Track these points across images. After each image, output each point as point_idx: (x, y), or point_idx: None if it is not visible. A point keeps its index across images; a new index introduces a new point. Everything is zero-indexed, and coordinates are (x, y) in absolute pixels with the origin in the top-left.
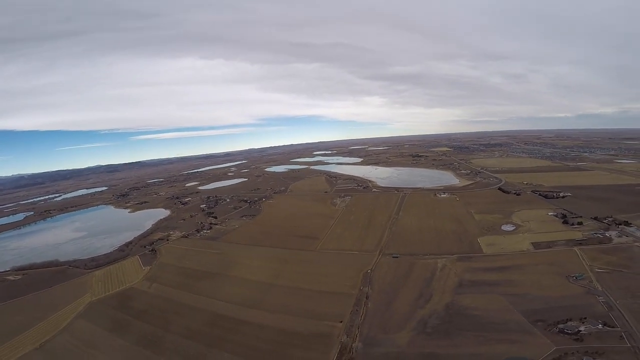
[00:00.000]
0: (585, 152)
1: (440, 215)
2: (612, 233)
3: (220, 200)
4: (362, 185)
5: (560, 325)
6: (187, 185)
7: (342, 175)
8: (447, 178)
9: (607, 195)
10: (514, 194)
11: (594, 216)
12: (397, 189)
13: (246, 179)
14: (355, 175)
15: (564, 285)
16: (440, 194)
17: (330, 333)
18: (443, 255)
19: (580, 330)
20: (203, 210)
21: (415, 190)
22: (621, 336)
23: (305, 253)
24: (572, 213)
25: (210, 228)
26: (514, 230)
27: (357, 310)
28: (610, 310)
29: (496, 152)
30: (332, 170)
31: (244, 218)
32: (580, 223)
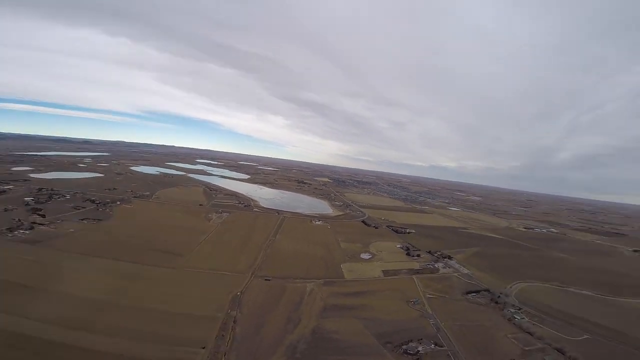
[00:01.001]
0: (429, 198)
1: (313, 241)
2: (439, 265)
3: (56, 195)
4: (244, 203)
5: (404, 347)
6: (13, 169)
7: (224, 189)
8: (323, 207)
9: (439, 234)
10: (373, 227)
11: (428, 250)
12: (278, 211)
13: (102, 175)
14: (239, 192)
15: (405, 310)
16: (316, 221)
17: None
18: (312, 279)
19: (419, 351)
20: (27, 204)
21: (295, 214)
22: (448, 354)
23: (163, 270)
24: (413, 246)
25: (32, 228)
26: (370, 258)
27: (223, 335)
28: (438, 331)
29: (365, 189)
30: (214, 183)
31: (85, 221)
32: (418, 255)
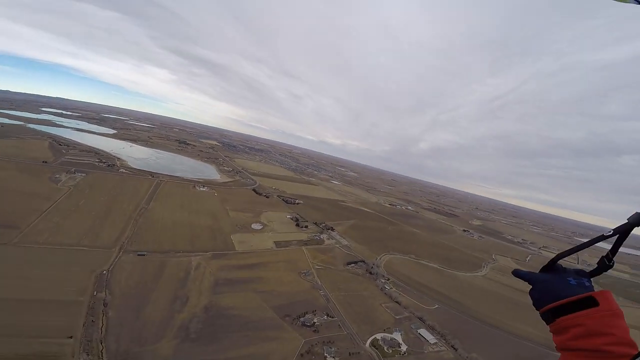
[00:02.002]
0: (316, 171)
1: (197, 209)
2: (324, 236)
3: None
4: (107, 162)
5: (302, 319)
6: None
7: (80, 145)
8: (210, 171)
9: (323, 205)
10: (265, 196)
11: (314, 221)
12: (152, 173)
13: None
14: (100, 148)
15: (298, 281)
16: (200, 187)
17: (58, 353)
18: (198, 252)
19: (315, 322)
20: None
21: (174, 178)
22: (339, 325)
23: None
24: (302, 217)
25: None
26: (261, 229)
27: (93, 321)
28: (328, 302)
29: (257, 157)
30: (65, 136)
31: None
32: (306, 226)
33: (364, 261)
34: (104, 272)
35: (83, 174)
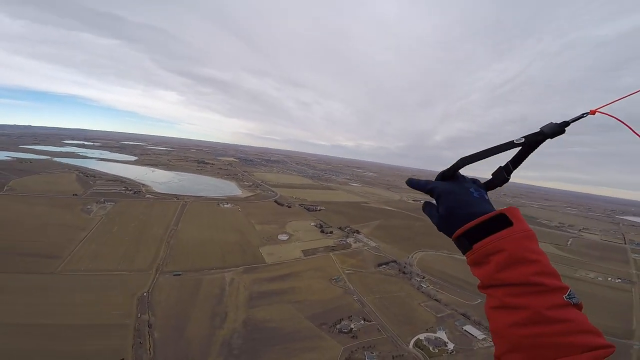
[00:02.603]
0: (333, 175)
1: (223, 226)
2: (350, 240)
3: None
4: (133, 190)
5: (338, 326)
6: None
7: (105, 174)
8: (231, 188)
9: (346, 209)
10: (287, 206)
11: (339, 226)
12: (177, 196)
13: None
14: (125, 176)
15: (330, 288)
16: (224, 204)
17: None
18: (229, 268)
19: (352, 328)
20: None
21: (198, 198)
22: (378, 328)
23: (36, 277)
24: (326, 223)
25: None
26: (287, 239)
27: (140, 343)
28: (363, 307)
29: (274, 168)
30: (91, 167)
31: None
32: (331, 232)
33: (395, 261)
34: (144, 294)
35: (112, 203)
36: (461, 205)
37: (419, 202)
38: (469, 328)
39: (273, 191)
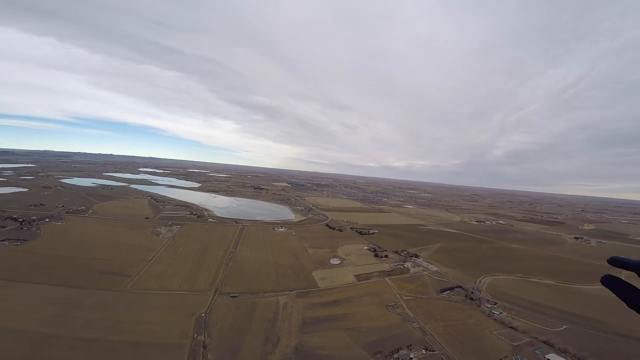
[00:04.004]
0: (385, 197)
1: (278, 249)
2: (408, 264)
3: None
4: (197, 214)
5: (395, 355)
6: None
7: (173, 200)
8: (285, 212)
9: (401, 232)
10: (338, 230)
11: (394, 249)
12: (236, 220)
13: (26, 189)
14: (190, 201)
15: (386, 315)
16: (278, 228)
17: None
18: (283, 291)
19: (412, 358)
20: None
21: (254, 222)
22: (442, 359)
23: (108, 294)
24: (379, 247)
25: None
26: (340, 263)
27: None
28: (425, 335)
29: (324, 192)
30: (161, 193)
31: (7, 243)
32: (386, 256)
33: (460, 286)
34: (202, 314)
35: (179, 226)
36: None
37: (483, 223)
38: (552, 356)
39: (324, 215)
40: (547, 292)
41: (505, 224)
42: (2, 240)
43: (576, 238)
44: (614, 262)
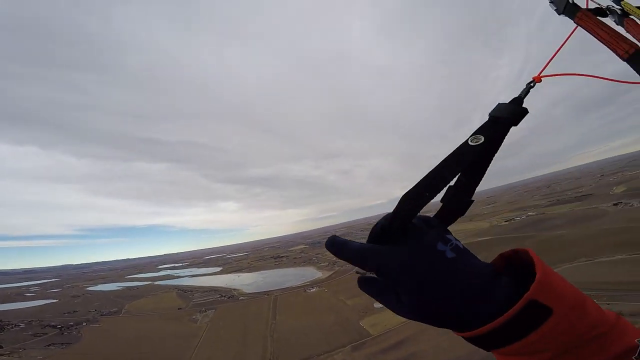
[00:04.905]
0: None
1: (317, 309)
2: None
3: (8, 325)
4: (226, 295)
5: None
6: None
7: (200, 287)
8: (311, 273)
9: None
10: (370, 273)
11: None
12: (266, 292)
13: (56, 300)
14: (216, 285)
15: (459, 342)
16: (310, 289)
17: None
18: (337, 350)
19: None
20: None
21: (285, 290)
22: None
23: None
24: None
25: None
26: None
27: None
28: None
29: None
30: (186, 284)
31: (52, 347)
32: None
33: None
34: None
35: (213, 310)
36: (438, 287)
37: (514, 220)
38: None
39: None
40: (626, 267)
41: (535, 214)
42: (47, 346)
43: (615, 204)
44: (334, 249)
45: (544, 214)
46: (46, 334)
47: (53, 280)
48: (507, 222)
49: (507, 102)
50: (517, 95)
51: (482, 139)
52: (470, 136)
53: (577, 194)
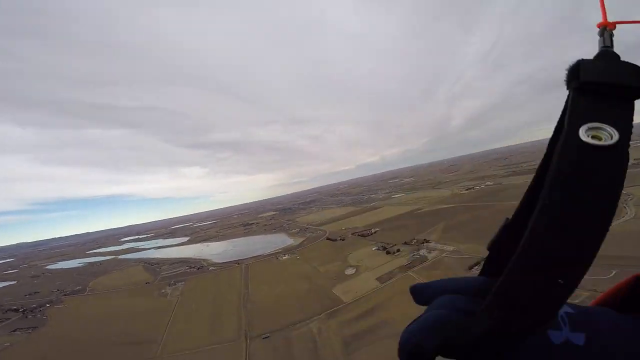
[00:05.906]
0: (372, 194)
1: (289, 277)
2: (423, 252)
3: None
4: (196, 266)
5: None
6: None
7: (167, 259)
8: (282, 239)
9: (401, 223)
10: (340, 239)
11: (403, 241)
12: (237, 261)
13: (14, 282)
14: (185, 256)
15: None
16: (281, 257)
17: None
18: (312, 318)
19: None
20: None
21: (256, 258)
22: None
23: None
24: (388, 244)
25: None
26: (356, 272)
27: None
28: None
29: (313, 208)
30: (152, 256)
31: (18, 332)
32: (398, 250)
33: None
34: None
35: (182, 282)
36: None
37: (473, 189)
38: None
39: (321, 230)
40: None
41: (493, 184)
42: (13, 331)
43: None
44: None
45: (501, 184)
46: (9, 318)
47: (8, 260)
48: (467, 191)
49: (598, 59)
50: (605, 46)
51: (617, 135)
52: (577, 128)
53: (530, 167)
